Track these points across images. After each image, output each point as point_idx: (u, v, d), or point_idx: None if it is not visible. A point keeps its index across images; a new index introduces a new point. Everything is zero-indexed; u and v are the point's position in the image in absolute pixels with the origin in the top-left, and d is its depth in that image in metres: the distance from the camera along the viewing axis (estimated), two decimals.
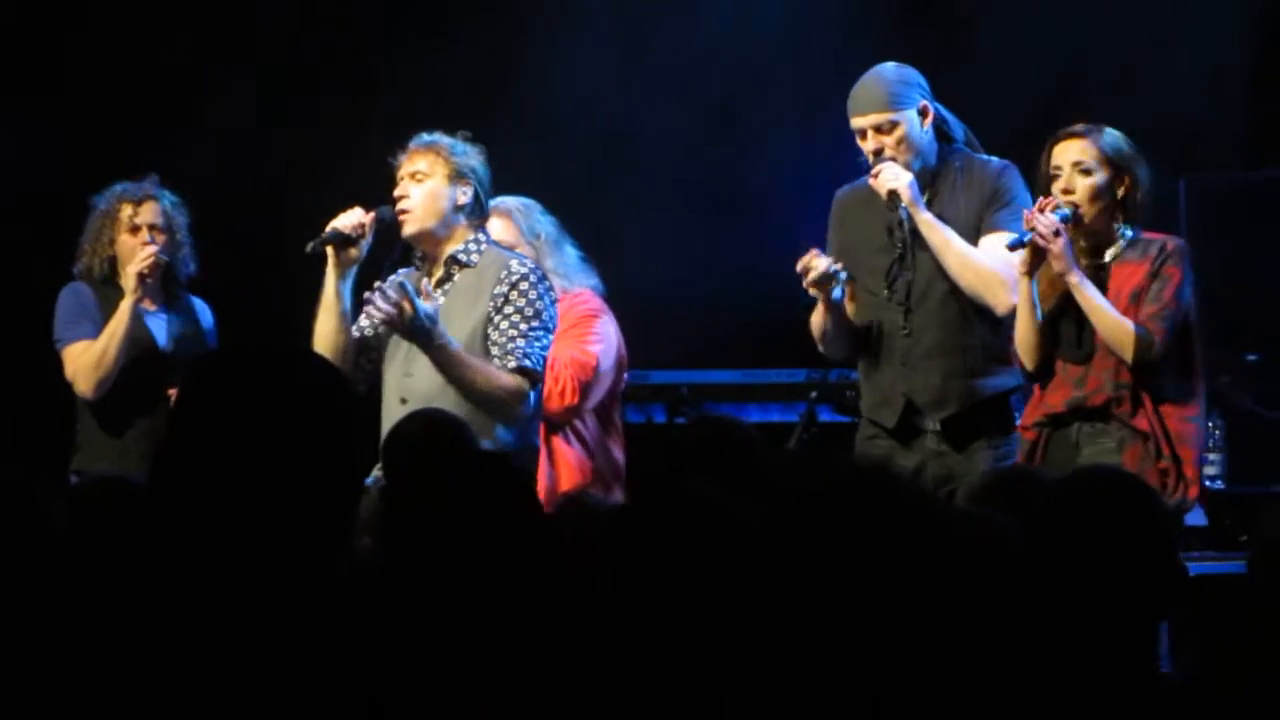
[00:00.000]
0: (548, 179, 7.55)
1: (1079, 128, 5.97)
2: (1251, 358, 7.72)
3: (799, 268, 6.13)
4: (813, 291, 6.16)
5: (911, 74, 6.28)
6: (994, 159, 6.30)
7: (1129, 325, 5.84)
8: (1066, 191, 5.91)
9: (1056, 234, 5.82)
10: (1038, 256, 5.88)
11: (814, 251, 6.14)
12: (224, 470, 2.57)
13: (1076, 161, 5.92)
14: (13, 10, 8.54)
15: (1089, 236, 5.98)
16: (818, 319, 6.30)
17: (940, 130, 6.29)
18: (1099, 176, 5.92)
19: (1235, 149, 8.28)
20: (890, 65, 6.30)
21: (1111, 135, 5.96)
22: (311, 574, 2.56)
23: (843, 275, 6.14)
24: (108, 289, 6.79)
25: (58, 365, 6.78)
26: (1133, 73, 8.34)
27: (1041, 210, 5.85)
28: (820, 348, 6.38)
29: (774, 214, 6.49)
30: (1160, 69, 8.28)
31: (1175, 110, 8.14)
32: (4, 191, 8.21)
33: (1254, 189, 8.06)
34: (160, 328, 6.84)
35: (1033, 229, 5.82)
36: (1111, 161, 5.92)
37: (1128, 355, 5.85)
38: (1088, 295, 5.87)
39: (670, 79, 8.76)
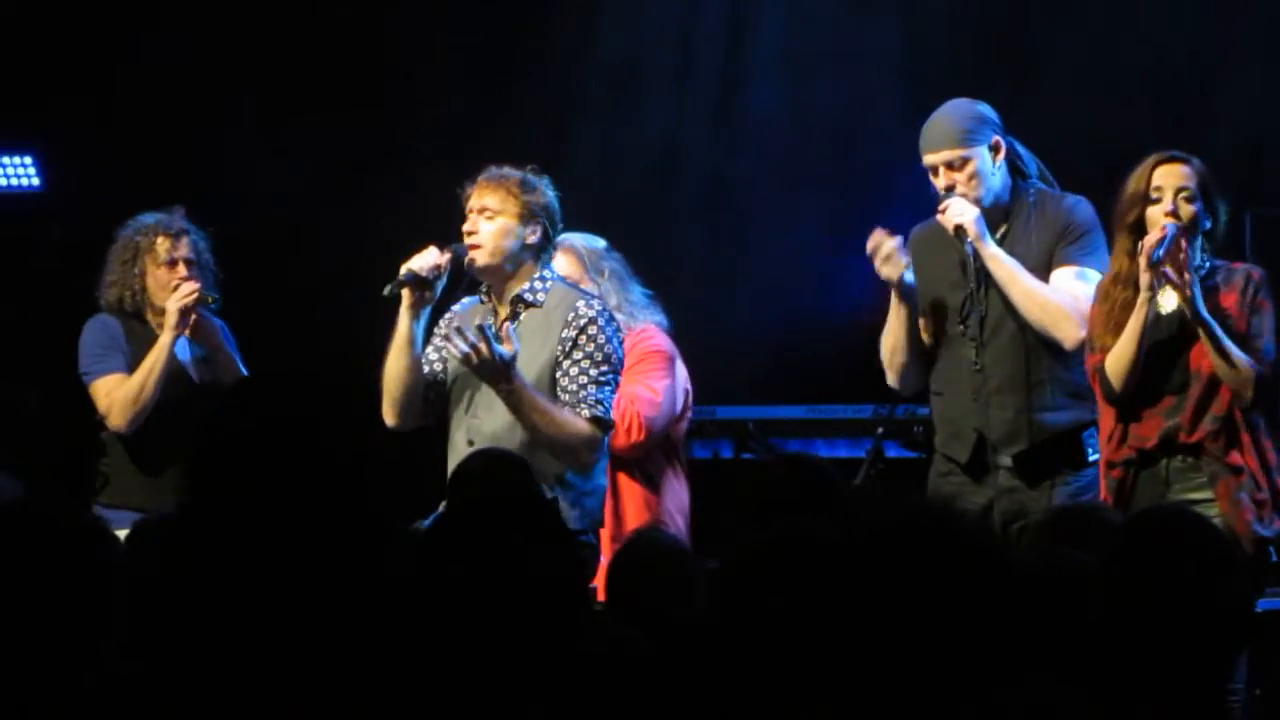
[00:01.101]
0: (616, 212, 7.57)
1: (1180, 154, 5.89)
2: None
3: (869, 248, 6.13)
4: (884, 272, 6.14)
5: (984, 109, 6.25)
6: (1068, 195, 6.26)
7: (1250, 364, 5.76)
8: (1170, 215, 5.82)
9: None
10: (1159, 281, 5.79)
11: (881, 231, 6.15)
12: (253, 487, 2.66)
13: (1182, 188, 5.82)
14: (76, 47, 8.61)
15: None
16: (889, 330, 6.28)
17: (1014, 165, 6.27)
18: (1200, 205, 5.84)
19: None
20: (962, 101, 6.27)
21: (1204, 165, 5.89)
22: (347, 589, 2.62)
23: (907, 252, 6.14)
24: (134, 322, 6.69)
25: (76, 396, 6.70)
26: (1198, 104, 8.30)
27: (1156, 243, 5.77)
28: (890, 377, 6.34)
29: (842, 251, 6.47)
30: (1225, 101, 8.23)
31: (1240, 142, 8.10)
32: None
33: None
34: (188, 358, 6.74)
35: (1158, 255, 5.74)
36: (1207, 192, 5.85)
37: (1248, 393, 5.76)
38: (1217, 334, 5.76)
39: (737, 115, 8.77)
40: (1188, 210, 5.83)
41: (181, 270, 6.65)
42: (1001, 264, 6.11)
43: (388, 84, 8.73)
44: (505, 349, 5.87)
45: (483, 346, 5.84)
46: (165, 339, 6.59)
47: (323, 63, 8.67)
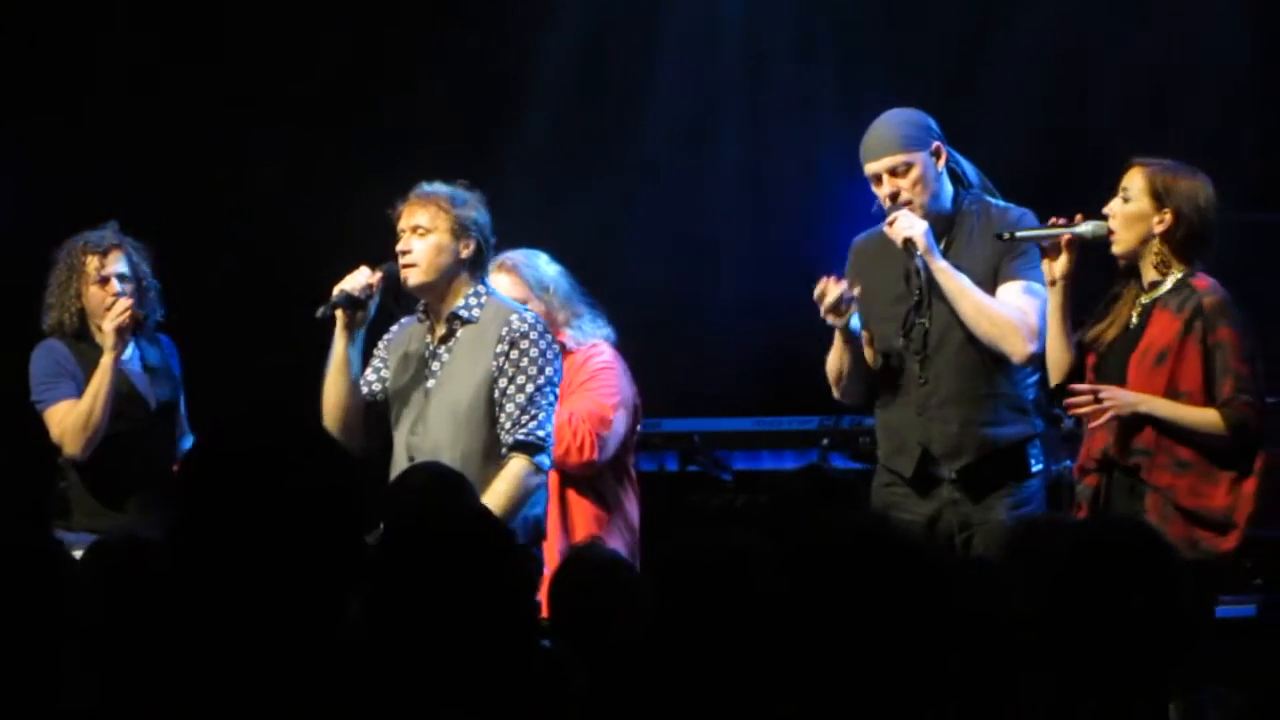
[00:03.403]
0: (562, 226, 7.59)
1: (1145, 159, 5.83)
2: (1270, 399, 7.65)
3: (815, 294, 6.11)
4: (830, 320, 6.14)
5: (921, 116, 6.23)
6: (1011, 206, 6.22)
7: (1216, 418, 5.68)
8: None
9: (1058, 246, 5.80)
10: (1059, 266, 5.81)
11: (829, 278, 6.13)
12: (237, 525, 2.69)
13: (1124, 188, 5.79)
14: (24, 66, 8.61)
15: (1131, 270, 5.86)
16: (834, 358, 6.26)
17: (954, 174, 6.25)
18: (1135, 206, 5.76)
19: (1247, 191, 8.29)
20: (899, 109, 6.26)
21: (1172, 169, 5.79)
22: (318, 623, 2.64)
23: (854, 300, 6.12)
24: (81, 344, 6.67)
25: (30, 420, 6.68)
26: (1141, 115, 8.36)
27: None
28: (835, 392, 6.32)
29: (787, 262, 6.49)
30: (1170, 111, 8.30)
31: (1186, 152, 8.16)
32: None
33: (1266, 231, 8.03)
34: (137, 374, 6.72)
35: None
36: (1156, 194, 5.75)
37: (1231, 446, 5.68)
38: (1169, 412, 5.69)
39: (672, 136, 8.81)
40: (1120, 210, 5.78)
41: (114, 287, 6.64)
42: (951, 278, 6.09)
43: (366, 89, 8.78)
44: None
45: None
46: (105, 360, 6.57)
47: (285, 79, 8.69)
